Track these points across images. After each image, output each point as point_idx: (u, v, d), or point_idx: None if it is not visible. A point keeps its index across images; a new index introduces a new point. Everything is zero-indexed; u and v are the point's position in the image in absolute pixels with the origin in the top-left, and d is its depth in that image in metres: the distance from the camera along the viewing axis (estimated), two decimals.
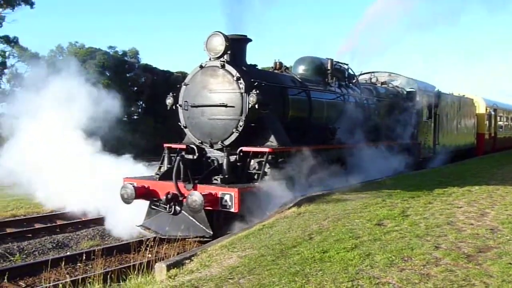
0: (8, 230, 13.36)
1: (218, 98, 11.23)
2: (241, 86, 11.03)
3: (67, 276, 9.13)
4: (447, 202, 10.85)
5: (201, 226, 10.41)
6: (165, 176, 11.18)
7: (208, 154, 11.68)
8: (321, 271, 6.07)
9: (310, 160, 11.72)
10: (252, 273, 6.17)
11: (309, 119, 13.00)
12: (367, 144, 14.35)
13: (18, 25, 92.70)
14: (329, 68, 14.17)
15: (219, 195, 10.12)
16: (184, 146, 12.02)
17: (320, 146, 12.55)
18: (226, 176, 10.72)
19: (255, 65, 12.21)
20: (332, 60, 14.26)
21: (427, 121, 20.21)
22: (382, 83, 18.56)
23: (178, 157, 10.67)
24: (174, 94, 11.97)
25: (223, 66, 11.22)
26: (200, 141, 11.65)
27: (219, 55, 11.24)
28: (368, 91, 16.44)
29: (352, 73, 15.54)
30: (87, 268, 9.99)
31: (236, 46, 11.58)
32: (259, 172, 10.81)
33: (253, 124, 11.17)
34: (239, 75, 11.06)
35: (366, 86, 16.83)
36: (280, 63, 13.34)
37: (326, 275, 5.94)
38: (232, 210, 9.98)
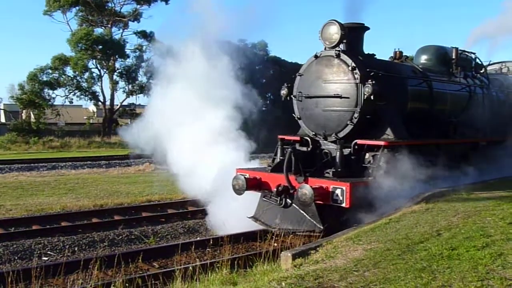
0: (144, 214, 13.88)
1: (332, 89, 10.65)
2: (356, 76, 10.36)
3: (197, 260, 9.23)
4: None
5: (312, 220, 9.93)
6: (277, 168, 10.78)
7: (322, 147, 11.11)
8: (449, 269, 5.80)
9: (430, 156, 10.81)
10: (377, 267, 6.00)
11: (431, 111, 11.99)
12: (495, 139, 13.04)
13: (153, 21, 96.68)
14: (454, 57, 13.04)
15: (330, 189, 9.58)
16: (298, 138, 11.56)
17: (441, 141, 11.53)
18: (339, 169, 10.14)
19: (373, 55, 11.44)
20: (457, 48, 13.10)
21: None
22: None
23: (289, 149, 10.20)
24: (289, 85, 11.54)
25: (338, 56, 10.61)
26: (314, 133, 11.13)
27: (334, 44, 10.64)
28: (498, 82, 15.01)
29: (480, 62, 14.22)
30: (215, 253, 10.13)
31: (352, 35, 10.94)
32: (373, 166, 10.10)
33: (368, 116, 10.48)
34: (354, 65, 10.40)
35: (496, 77, 15.39)
36: (400, 52, 12.44)
37: (454, 273, 5.66)
38: (344, 205, 9.39)
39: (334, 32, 10.62)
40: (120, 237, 11.49)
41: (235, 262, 8.55)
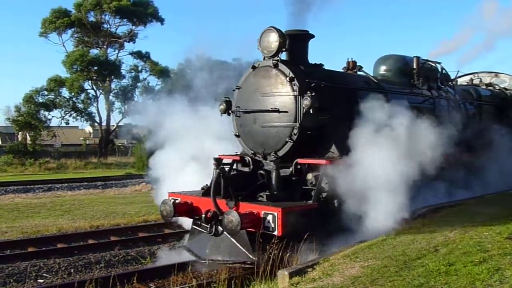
0: (140, 235, 13.42)
1: (270, 103, 9.41)
2: (295, 88, 9.13)
3: (193, 280, 8.95)
4: None
5: (244, 250, 8.59)
6: (209, 192, 9.46)
7: (265, 167, 9.80)
8: (447, 285, 5.84)
9: (384, 174, 9.48)
10: (374, 284, 6.03)
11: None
12: (461, 155, 11.62)
13: (149, 41, 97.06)
14: (415, 67, 11.72)
15: (261, 215, 8.24)
16: (237, 157, 10.28)
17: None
18: (275, 192, 8.83)
19: (321, 65, 10.18)
20: (418, 58, 11.82)
21: None
22: (487, 85, 15.53)
23: (217, 170, 8.91)
24: (227, 99, 10.29)
25: (276, 66, 9.37)
26: (253, 152, 9.84)
27: (273, 53, 9.39)
28: (467, 93, 13.63)
29: (446, 73, 12.87)
30: (212, 273, 9.55)
31: (295, 43, 9.73)
32: (314, 188, 8.79)
33: (309, 132, 9.19)
34: (292, 75, 9.16)
35: (465, 88, 14.03)
36: (354, 62, 11.17)
37: None
38: (275, 233, 8.05)
39: (273, 40, 9.39)
40: (117, 258, 10.99)
41: (232, 282, 8.26)
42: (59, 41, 49.84)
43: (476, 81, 15.94)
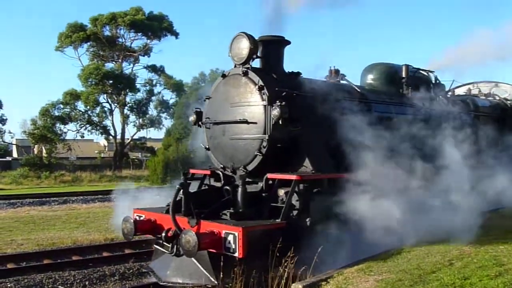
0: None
1: (239, 113, 8.69)
2: (264, 97, 8.38)
3: None
4: None
5: (205, 272, 7.84)
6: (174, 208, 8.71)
7: (237, 182, 9.04)
8: None
9: (364, 191, 8.67)
10: None
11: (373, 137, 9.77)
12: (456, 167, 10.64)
13: (164, 55, 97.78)
14: (404, 76, 10.89)
15: (222, 235, 7.49)
16: (208, 172, 9.56)
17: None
18: (240, 210, 8.06)
19: (298, 73, 9.43)
20: (408, 66, 10.98)
21: None
22: (486, 95, 14.55)
23: (177, 185, 8.19)
24: (198, 110, 9.60)
25: (245, 74, 8.65)
26: (222, 166, 9.11)
27: (243, 60, 8.68)
28: (463, 104, 12.68)
29: (439, 82, 11.98)
30: (227, 286, 8.51)
31: (268, 50, 9.03)
32: (283, 205, 8.01)
33: (279, 145, 8.43)
34: (262, 84, 8.43)
35: (461, 99, 13.09)
36: (336, 71, 10.39)
37: None
38: (236, 254, 7.29)
39: (244, 46, 8.69)
40: (131, 270, 10.63)
41: None
42: (75, 55, 49.99)
43: (474, 91, 14.97)
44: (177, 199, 8.18)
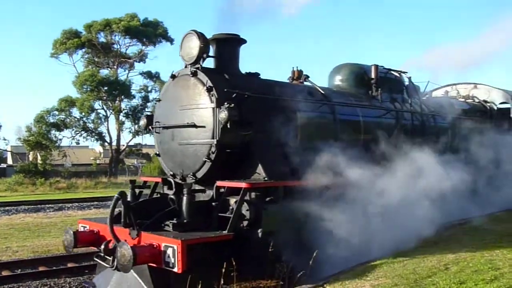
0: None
1: (188, 116, 8.04)
2: (213, 99, 7.73)
3: None
4: None
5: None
6: (119, 219, 8.06)
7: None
8: None
9: (322, 199, 8.02)
10: None
11: (336, 142, 9.08)
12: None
13: (159, 61, 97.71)
14: (373, 77, 10.22)
15: (162, 248, 6.84)
16: (159, 179, 8.94)
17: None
18: (185, 220, 7.40)
19: (256, 74, 8.80)
20: (377, 66, 10.31)
21: None
22: (465, 97, 13.83)
23: (116, 195, 7.53)
24: (150, 114, 8.98)
25: (194, 74, 8.01)
26: (172, 173, 8.46)
27: (193, 60, 8.05)
28: (439, 106, 11.97)
29: (413, 84, 11.29)
30: None
31: (223, 49, 8.38)
32: (231, 216, 7.35)
33: (229, 150, 7.78)
34: (211, 84, 7.79)
35: (437, 101, 12.39)
36: (299, 72, 9.73)
37: None
38: (175, 269, 6.63)
39: (194, 45, 8.06)
40: None
41: None
42: (70, 62, 49.32)
43: (452, 93, 14.29)
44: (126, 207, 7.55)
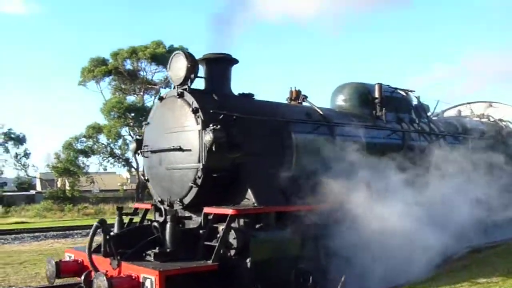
0: None
1: (174, 139, 7.63)
2: (199, 120, 7.31)
3: None
4: None
5: None
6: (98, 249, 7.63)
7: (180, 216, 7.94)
8: None
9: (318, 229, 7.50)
10: None
11: (335, 165, 8.50)
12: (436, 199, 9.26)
13: None
14: (376, 96, 9.68)
15: (141, 279, 6.39)
16: (149, 206, 8.55)
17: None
18: (168, 249, 6.94)
19: (249, 94, 8.38)
20: (381, 85, 9.76)
21: None
22: (479, 116, 13.11)
23: (95, 224, 7.13)
24: (138, 138, 8.63)
25: (181, 95, 7.63)
26: (160, 199, 8.05)
27: (181, 81, 7.68)
28: (450, 126, 11.30)
29: (421, 103, 10.68)
30: None
31: (213, 69, 8.00)
32: (217, 244, 6.87)
33: (215, 175, 7.32)
34: (197, 106, 7.38)
35: (448, 120, 11.72)
36: (297, 92, 9.26)
37: None
38: None
39: (182, 66, 7.71)
40: None
41: None
42: (97, 89, 49.80)
43: (466, 112, 13.58)
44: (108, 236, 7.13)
